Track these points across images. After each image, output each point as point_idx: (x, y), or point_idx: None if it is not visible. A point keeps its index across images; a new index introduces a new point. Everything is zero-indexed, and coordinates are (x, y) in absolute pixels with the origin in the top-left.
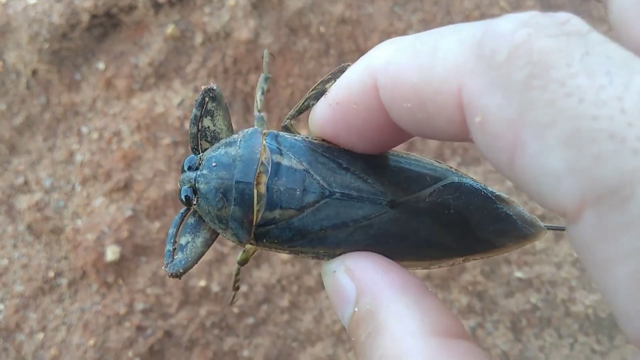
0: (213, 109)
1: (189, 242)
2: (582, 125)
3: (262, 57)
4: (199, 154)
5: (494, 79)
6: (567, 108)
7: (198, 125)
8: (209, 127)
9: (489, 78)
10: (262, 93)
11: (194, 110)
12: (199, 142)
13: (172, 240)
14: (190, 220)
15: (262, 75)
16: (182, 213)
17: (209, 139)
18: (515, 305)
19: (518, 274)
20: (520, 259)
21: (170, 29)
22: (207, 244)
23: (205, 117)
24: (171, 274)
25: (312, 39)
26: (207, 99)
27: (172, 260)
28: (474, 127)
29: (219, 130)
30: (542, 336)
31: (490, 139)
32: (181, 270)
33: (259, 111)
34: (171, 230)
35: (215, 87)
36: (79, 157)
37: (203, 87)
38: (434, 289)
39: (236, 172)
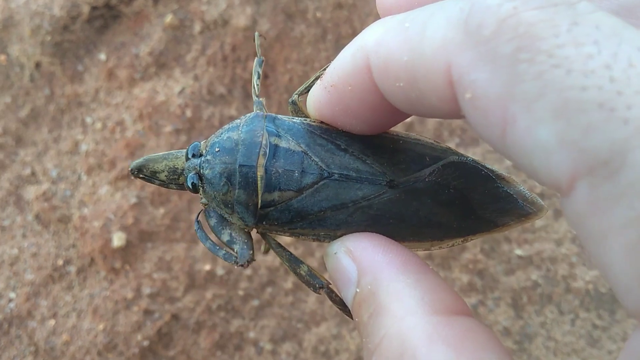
0: (149, 170)
1: (232, 233)
2: (571, 96)
3: (254, 40)
4: (196, 189)
5: (482, 54)
6: (555, 79)
7: (165, 184)
8: (166, 176)
9: (477, 53)
10: (258, 77)
11: (153, 184)
12: (179, 184)
13: (217, 248)
14: (212, 221)
15: (257, 59)
16: (199, 227)
17: (175, 178)
18: (516, 282)
19: (518, 252)
20: (520, 236)
21: (169, 19)
22: None
23: (155, 177)
24: (245, 263)
25: (309, 25)
26: (141, 176)
27: (236, 257)
28: (465, 104)
29: (167, 168)
30: (543, 312)
31: (481, 115)
32: (250, 252)
33: (257, 96)
34: (209, 245)
35: (130, 167)
36: (83, 147)
37: (129, 171)
38: (435, 268)
39: (239, 156)
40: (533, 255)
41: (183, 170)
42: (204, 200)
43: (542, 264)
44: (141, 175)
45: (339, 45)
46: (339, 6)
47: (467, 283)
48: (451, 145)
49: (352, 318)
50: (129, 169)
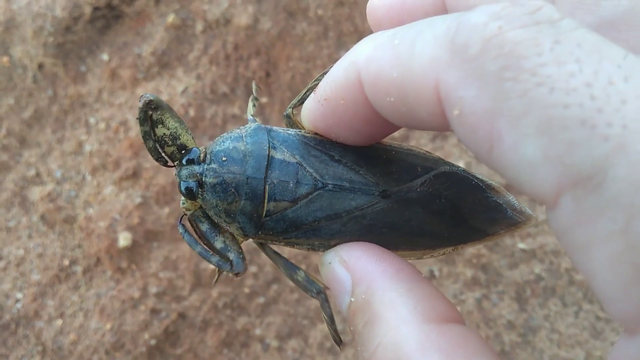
0: (160, 116)
1: (225, 241)
2: (554, 113)
3: (252, 87)
4: (166, 161)
5: (469, 72)
6: (539, 97)
7: (153, 139)
8: (164, 133)
9: (464, 71)
10: (254, 106)
11: (141, 127)
12: (162, 149)
13: (210, 254)
14: (204, 227)
15: (252, 96)
16: (185, 231)
17: (169, 143)
18: (519, 276)
19: (521, 245)
20: (523, 230)
21: (170, 18)
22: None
23: (157, 127)
24: (239, 273)
25: (310, 22)
26: (149, 112)
27: (231, 265)
28: (453, 119)
29: (174, 130)
30: (547, 305)
31: (468, 131)
32: (246, 264)
33: (252, 116)
34: (199, 250)
35: (152, 97)
36: (87, 148)
37: (140, 103)
38: (439, 263)
39: (248, 168)
40: (536, 249)
41: (181, 145)
42: (186, 205)
43: (545, 257)
44: (149, 112)
45: (340, 43)
46: (340, 3)
47: (471, 277)
48: (453, 142)
49: (337, 341)
50: (149, 97)
